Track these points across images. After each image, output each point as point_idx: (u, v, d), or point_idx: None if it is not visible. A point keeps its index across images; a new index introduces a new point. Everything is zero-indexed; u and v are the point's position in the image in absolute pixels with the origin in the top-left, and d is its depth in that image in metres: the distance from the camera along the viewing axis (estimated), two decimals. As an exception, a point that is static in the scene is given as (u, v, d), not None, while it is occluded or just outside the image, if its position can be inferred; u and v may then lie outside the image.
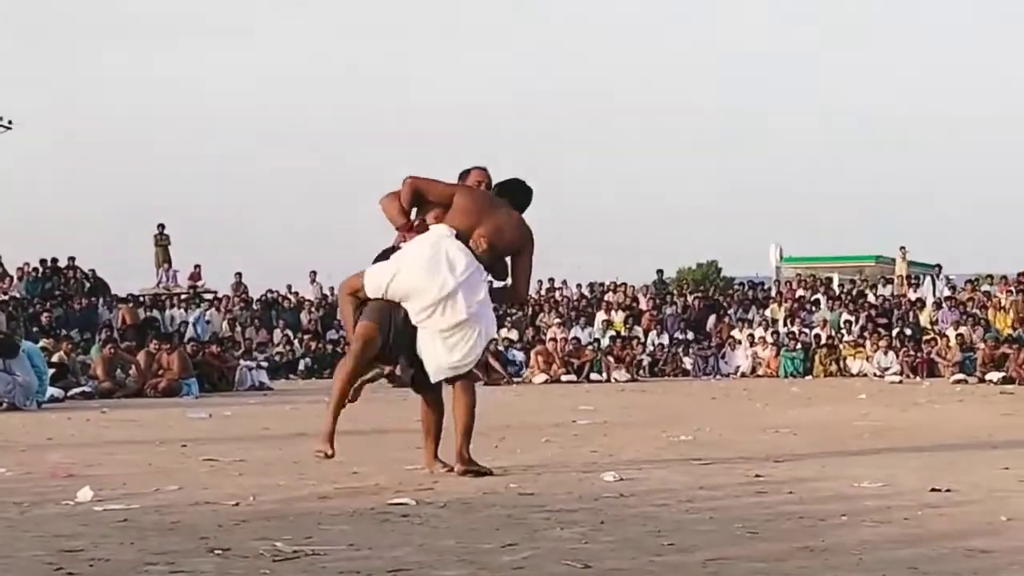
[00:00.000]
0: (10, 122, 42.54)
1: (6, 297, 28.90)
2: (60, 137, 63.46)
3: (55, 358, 20.39)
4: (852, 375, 27.36)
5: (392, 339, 7.18)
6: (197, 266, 34.97)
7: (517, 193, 7.56)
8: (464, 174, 7.54)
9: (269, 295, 33.09)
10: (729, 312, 32.54)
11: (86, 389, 19.49)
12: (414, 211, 7.35)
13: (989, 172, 76.71)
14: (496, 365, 25.07)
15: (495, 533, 5.12)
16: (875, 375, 26.45)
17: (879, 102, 78.15)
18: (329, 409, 7.24)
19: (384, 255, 7.38)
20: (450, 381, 7.33)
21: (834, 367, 27.89)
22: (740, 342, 29.83)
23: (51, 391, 17.56)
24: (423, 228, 7.21)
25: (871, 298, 32.25)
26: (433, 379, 7.30)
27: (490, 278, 7.41)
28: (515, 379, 25.48)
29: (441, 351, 7.16)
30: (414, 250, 7.13)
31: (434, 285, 7.03)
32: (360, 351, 7.19)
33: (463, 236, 7.19)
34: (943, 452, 8.67)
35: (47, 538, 5.06)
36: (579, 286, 34.57)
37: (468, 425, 7.26)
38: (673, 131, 78.90)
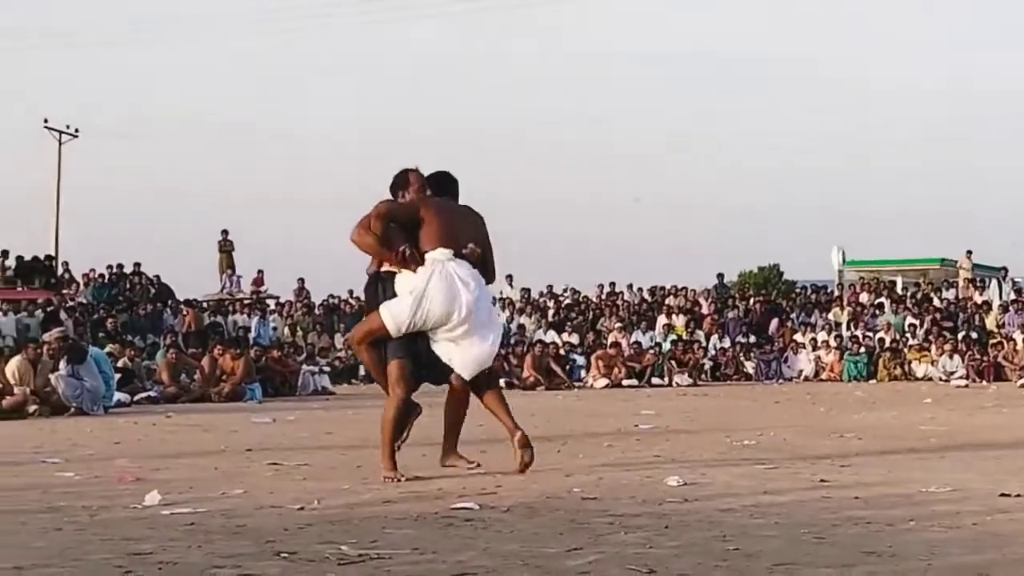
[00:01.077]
0: (76, 130, 43.18)
1: (73, 303, 29.26)
2: (125, 144, 64.14)
3: (121, 363, 20.65)
4: (917, 379, 27.11)
5: (425, 366, 7.51)
6: (260, 271, 35.28)
7: (452, 185, 7.76)
8: (401, 181, 7.58)
9: (331, 300, 33.28)
10: (792, 316, 32.36)
11: (152, 394, 19.71)
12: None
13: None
14: (557, 369, 25.08)
15: (559, 537, 5.12)
16: (940, 379, 26.20)
17: (943, 101, 77.46)
18: (385, 453, 7.45)
19: (374, 283, 7.57)
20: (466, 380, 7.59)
21: (898, 371, 27.65)
22: (803, 346, 29.65)
23: (118, 396, 17.79)
24: (413, 256, 7.33)
25: (936, 301, 31.94)
26: (469, 375, 7.53)
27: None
28: (576, 384, 25.47)
29: (469, 347, 7.44)
30: (431, 284, 7.29)
31: (455, 310, 7.31)
32: (404, 392, 7.46)
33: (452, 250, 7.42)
34: (1012, 456, 8.56)
35: (116, 541, 5.11)
36: (640, 290, 34.51)
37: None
38: (732, 133, 78.56)
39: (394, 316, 7.31)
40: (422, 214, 7.39)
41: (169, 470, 8.18)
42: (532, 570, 4.38)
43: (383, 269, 7.52)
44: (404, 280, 7.36)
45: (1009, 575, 4.18)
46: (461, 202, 7.79)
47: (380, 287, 7.51)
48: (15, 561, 4.63)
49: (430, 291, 7.26)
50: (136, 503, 6.26)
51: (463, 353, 7.43)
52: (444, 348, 7.43)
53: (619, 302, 33.27)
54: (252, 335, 28.25)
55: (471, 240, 7.49)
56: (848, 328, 30.53)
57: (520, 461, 7.49)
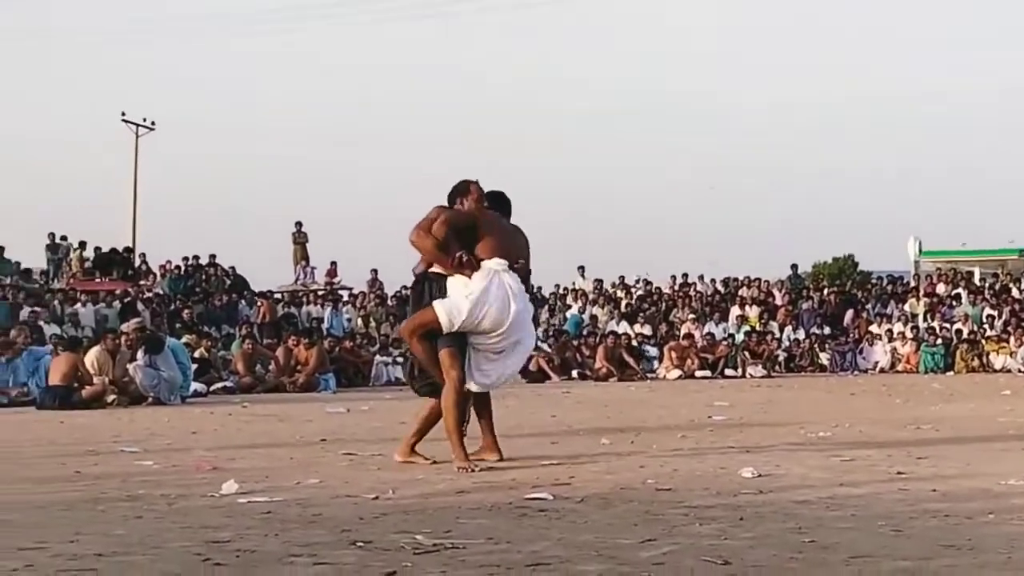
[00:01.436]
0: (153, 123, 43.70)
1: (150, 294, 29.62)
2: (201, 136, 64.81)
3: (198, 353, 20.87)
4: (995, 371, 26.75)
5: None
6: (333, 263, 35.50)
7: (506, 205, 8.08)
8: (463, 189, 7.78)
9: (404, 291, 33.40)
10: (867, 307, 32.04)
11: (227, 384, 19.91)
12: None
13: None
14: (630, 361, 25.02)
15: (633, 528, 5.11)
16: (1019, 371, 25.84)
17: (1013, 95, 76.26)
18: (454, 441, 7.59)
19: (421, 283, 7.81)
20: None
21: (976, 363, 27.30)
22: (879, 337, 29.34)
23: (194, 386, 17.99)
24: (470, 262, 7.56)
25: (1015, 292, 31.48)
26: (495, 386, 7.88)
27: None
28: (648, 375, 25.39)
29: (504, 359, 7.70)
30: (491, 291, 7.52)
31: (506, 319, 7.54)
32: (458, 373, 7.59)
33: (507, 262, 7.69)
34: (1093, 450, 8.43)
35: (194, 529, 5.17)
36: (712, 281, 34.32)
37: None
38: (807, 125, 77.90)
39: (449, 312, 7.49)
40: (480, 224, 7.67)
41: (245, 459, 8.27)
42: (606, 561, 4.38)
43: (432, 270, 7.72)
44: (458, 283, 7.57)
45: (1092, 569, 4.12)
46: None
47: (428, 287, 7.74)
48: (96, 548, 4.70)
49: (489, 297, 7.49)
50: (213, 492, 6.33)
51: (498, 366, 7.72)
52: (478, 358, 7.65)
53: (692, 293, 33.13)
54: (325, 326, 28.44)
55: (524, 258, 7.85)
56: (925, 319, 30.19)
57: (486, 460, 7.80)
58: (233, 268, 33.03)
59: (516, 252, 7.79)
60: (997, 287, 32.51)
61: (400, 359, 25.60)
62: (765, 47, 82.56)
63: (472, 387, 7.65)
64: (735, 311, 30.88)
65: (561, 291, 33.29)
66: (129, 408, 15.22)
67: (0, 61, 68.37)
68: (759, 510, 5.60)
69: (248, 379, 20.21)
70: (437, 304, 7.53)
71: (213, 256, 33.22)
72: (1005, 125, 73.75)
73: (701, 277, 34.64)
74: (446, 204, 7.75)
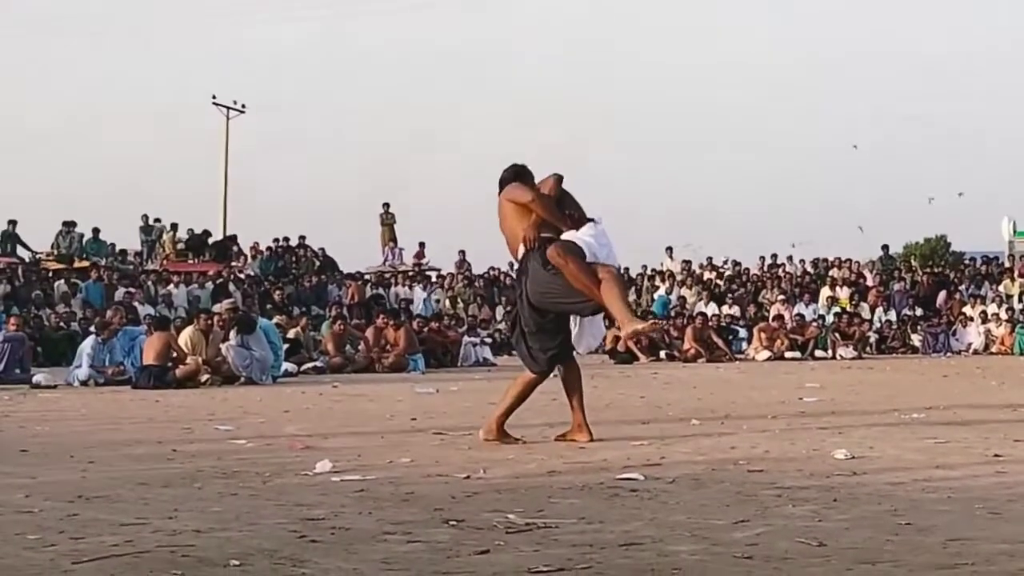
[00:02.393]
0: (243, 106, 44.18)
1: (241, 276, 29.99)
2: (291, 118, 65.39)
3: (290, 334, 21.10)
4: (1093, 352, 26.26)
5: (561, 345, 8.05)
6: (421, 244, 35.66)
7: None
8: (527, 174, 8.06)
9: (491, 272, 33.51)
10: (960, 288, 31.59)
11: (318, 364, 20.10)
12: None
13: None
14: (718, 342, 24.89)
15: (726, 509, 5.09)
16: (1118, 352, 25.32)
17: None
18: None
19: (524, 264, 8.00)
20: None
21: (1073, 344, 26.81)
22: (972, 319, 28.91)
23: (285, 366, 18.20)
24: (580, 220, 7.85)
25: (1114, 272, 30.86)
26: (584, 351, 8.33)
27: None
28: (737, 356, 25.25)
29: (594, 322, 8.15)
30: (599, 240, 7.79)
31: (614, 263, 7.94)
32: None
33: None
34: None
35: (289, 507, 5.23)
36: (802, 262, 34.02)
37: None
38: (897, 101, 76.75)
39: (584, 244, 7.68)
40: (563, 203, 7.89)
41: (337, 439, 8.35)
42: (699, 541, 4.37)
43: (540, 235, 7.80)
44: (570, 235, 7.75)
45: None
46: None
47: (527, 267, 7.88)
48: (194, 524, 4.78)
49: (603, 240, 7.78)
50: (307, 470, 6.40)
51: (598, 327, 8.14)
52: (584, 322, 7.97)
53: (781, 274, 32.85)
54: (415, 307, 28.62)
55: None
56: (1020, 300, 29.68)
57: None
58: (323, 249, 33.32)
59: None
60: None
61: (488, 339, 25.72)
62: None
63: (581, 350, 7.99)
64: (825, 292, 30.58)
65: (649, 272, 33.17)
66: (222, 387, 15.43)
67: (94, 40, 69.27)
68: (853, 492, 5.55)
69: (338, 359, 20.38)
70: (571, 236, 7.69)
71: (303, 238, 33.53)
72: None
73: (791, 258, 34.34)
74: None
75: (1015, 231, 38.40)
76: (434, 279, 32.80)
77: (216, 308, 19.28)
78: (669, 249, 34.49)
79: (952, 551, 4.15)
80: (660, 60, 75.96)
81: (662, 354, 24.68)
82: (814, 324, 27.23)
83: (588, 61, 77.48)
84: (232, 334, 16.61)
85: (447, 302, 30.63)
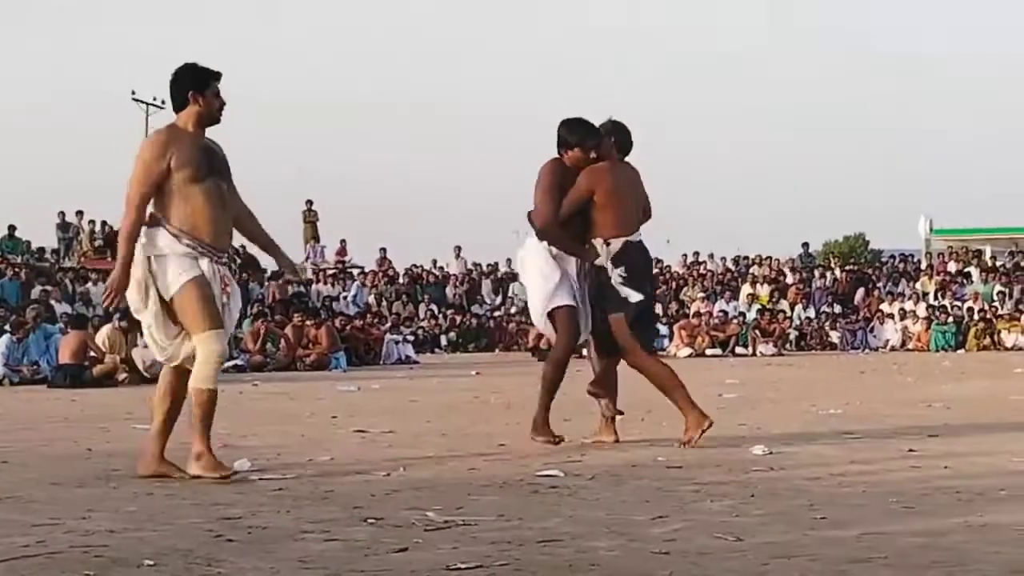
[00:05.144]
0: (163, 101, 43.68)
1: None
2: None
3: (209, 332, 20.88)
4: (1007, 349, 26.73)
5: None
6: (343, 241, 35.49)
7: (557, 137, 7.49)
8: (591, 135, 7.49)
9: (414, 269, 33.45)
10: (878, 286, 32.01)
11: (238, 362, 19.92)
12: None
13: None
14: (640, 339, 25.01)
15: (645, 505, 5.11)
16: (1031, 349, 25.78)
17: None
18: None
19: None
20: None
21: (988, 341, 27.26)
22: (890, 316, 29.31)
23: (205, 364, 17.99)
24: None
25: (1027, 271, 31.42)
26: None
27: None
28: (659, 353, 25.36)
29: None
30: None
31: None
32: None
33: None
34: (1105, 427, 8.41)
35: (205, 506, 5.18)
36: (723, 259, 34.31)
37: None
38: (818, 102, 77.80)
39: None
40: (599, 192, 7.42)
41: (257, 437, 8.28)
42: (617, 537, 4.38)
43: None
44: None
45: (1105, 546, 4.11)
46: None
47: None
48: (108, 524, 4.71)
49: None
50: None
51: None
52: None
53: (703, 271, 33.10)
54: (345, 305, 28.54)
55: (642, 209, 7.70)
56: (935, 297, 30.14)
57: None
58: (243, 247, 32.92)
59: (637, 211, 7.54)
60: (1009, 265, 32.43)
61: (410, 337, 25.66)
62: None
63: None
64: (746, 289, 30.86)
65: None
66: (141, 386, 15.23)
67: (10, 32, 68.27)
68: (770, 487, 5.60)
69: (259, 357, 20.24)
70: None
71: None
72: (1014, 108, 73.49)
73: (712, 255, 34.61)
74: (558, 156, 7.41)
75: (932, 229, 39.03)
76: (356, 276, 32.67)
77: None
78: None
79: (866, 544, 4.19)
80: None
81: (584, 352, 24.74)
82: (735, 321, 27.48)
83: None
84: (139, 337, 16.38)
85: (371, 299, 30.54)
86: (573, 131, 7.36)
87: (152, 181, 5.97)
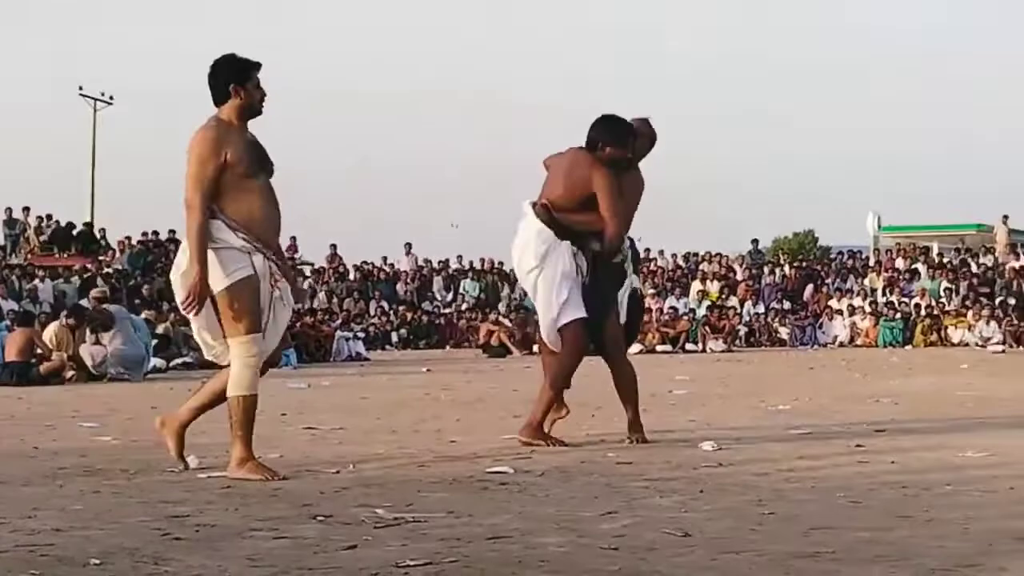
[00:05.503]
0: (111, 97, 43.38)
1: (109, 270, 29.42)
2: (160, 111, 64.39)
3: (161, 329, 20.75)
4: (953, 345, 26.99)
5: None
6: (293, 238, 35.30)
7: (592, 129, 7.26)
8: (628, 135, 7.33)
9: (365, 266, 33.36)
10: (827, 282, 32.24)
11: (188, 360, 19.80)
12: None
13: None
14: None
15: (594, 501, 5.12)
16: (977, 345, 26.06)
17: (978, 71, 76.93)
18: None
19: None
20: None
21: (935, 337, 27.53)
22: (838, 312, 29.54)
23: (154, 361, 17.89)
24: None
25: (973, 267, 31.74)
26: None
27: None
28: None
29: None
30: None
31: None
32: None
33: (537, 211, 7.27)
34: (1049, 422, 8.51)
35: (153, 504, 5.14)
36: (674, 256, 34.43)
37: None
38: (768, 101, 78.24)
39: None
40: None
41: (206, 434, 8.19)
42: (567, 533, 4.38)
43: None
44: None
45: (1047, 539, 4.16)
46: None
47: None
48: (54, 523, 4.67)
49: None
50: (173, 467, 6.29)
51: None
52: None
53: (653, 268, 33.21)
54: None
55: (550, 194, 7.28)
56: (883, 294, 30.40)
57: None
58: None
59: (545, 194, 7.27)
60: (956, 262, 32.76)
61: (361, 334, 25.59)
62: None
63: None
64: (696, 286, 31.01)
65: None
66: (88, 384, 15.12)
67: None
68: (719, 482, 5.63)
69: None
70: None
71: (173, 232, 32.99)
72: (962, 107, 74.25)
73: (662, 252, 34.73)
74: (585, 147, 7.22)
75: (880, 226, 39.34)
76: (308, 273, 32.55)
77: (92, 294, 18.90)
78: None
79: (814, 539, 4.22)
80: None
81: (535, 348, 24.77)
82: (685, 317, 27.59)
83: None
84: (88, 334, 16.25)
85: (322, 296, 30.45)
86: (609, 130, 7.23)
87: (210, 178, 5.81)
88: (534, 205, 7.28)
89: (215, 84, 5.97)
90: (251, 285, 5.89)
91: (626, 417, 7.52)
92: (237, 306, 5.87)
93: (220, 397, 6.16)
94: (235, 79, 5.94)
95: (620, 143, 7.19)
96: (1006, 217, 34.69)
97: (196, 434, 8.15)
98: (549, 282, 7.22)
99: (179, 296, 5.98)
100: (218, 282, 5.86)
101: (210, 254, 5.85)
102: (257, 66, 6.01)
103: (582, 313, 7.23)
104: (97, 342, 16.07)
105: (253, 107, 6.01)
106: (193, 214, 5.84)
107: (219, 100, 5.98)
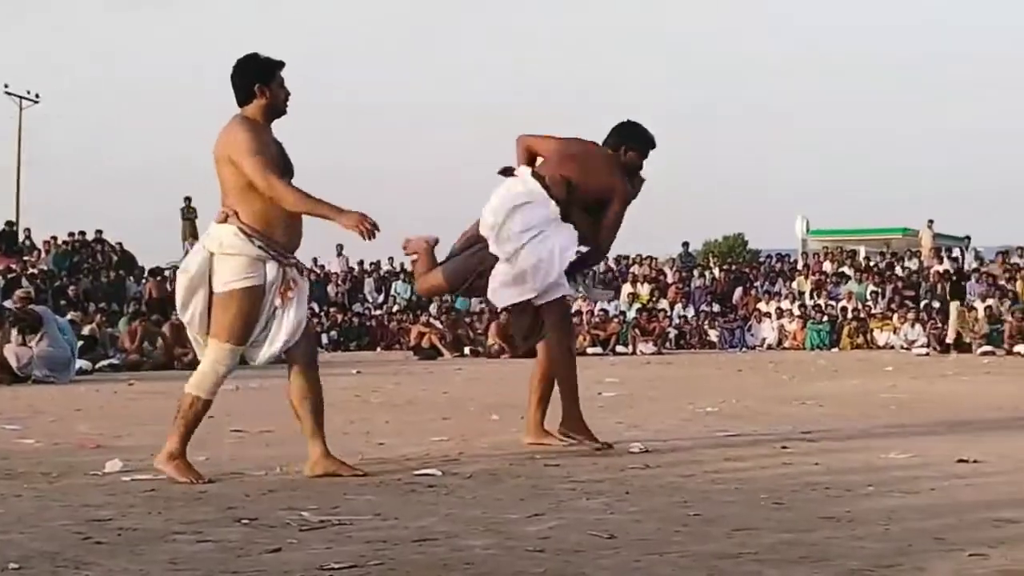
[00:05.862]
0: (37, 96, 42.83)
1: (34, 270, 29.03)
2: (88, 111, 63.78)
3: (87, 330, 20.52)
4: (879, 348, 27.31)
5: None
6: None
7: (618, 131, 7.25)
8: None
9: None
10: (756, 285, 32.50)
11: (114, 361, 19.61)
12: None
13: (1019, 141, 76.13)
14: (521, 337, 25.09)
15: (521, 503, 5.13)
16: (902, 348, 26.38)
17: (904, 75, 77.94)
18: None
19: None
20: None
21: (861, 340, 27.83)
22: (767, 315, 29.78)
23: (80, 363, 17.65)
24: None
25: (898, 271, 32.14)
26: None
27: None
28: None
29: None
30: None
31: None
32: None
33: (551, 181, 7.01)
34: (971, 424, 8.64)
35: (75, 508, 5.09)
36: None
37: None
38: (697, 104, 78.75)
39: None
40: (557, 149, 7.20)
41: (131, 437, 8.16)
42: (493, 535, 4.39)
43: None
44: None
45: (965, 539, 4.22)
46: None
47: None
48: (-27, 527, 4.61)
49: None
50: (96, 470, 6.23)
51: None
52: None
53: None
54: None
55: (580, 182, 7.09)
56: (811, 297, 30.68)
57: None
58: (120, 244, 32.50)
59: (572, 174, 7.06)
60: (882, 265, 33.15)
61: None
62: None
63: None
64: (627, 288, 31.13)
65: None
66: (12, 386, 14.91)
67: None
68: (645, 484, 5.66)
69: (135, 356, 19.93)
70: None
71: (100, 232, 32.64)
72: (889, 111, 75.20)
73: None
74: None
75: (808, 229, 39.75)
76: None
77: (17, 294, 18.63)
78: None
79: (737, 541, 4.26)
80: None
81: (466, 350, 24.79)
82: (615, 320, 27.70)
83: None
84: (13, 334, 16.01)
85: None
86: (639, 136, 7.25)
87: (268, 156, 5.72)
88: (539, 177, 7.02)
89: (240, 84, 5.88)
90: (253, 296, 5.83)
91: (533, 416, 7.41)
92: (232, 312, 5.84)
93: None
94: (260, 78, 5.86)
95: (643, 151, 7.24)
96: (931, 221, 35.17)
97: (120, 436, 8.10)
98: (550, 249, 6.96)
99: (179, 298, 5.95)
100: (222, 284, 5.82)
101: (223, 259, 5.80)
102: (281, 65, 5.93)
103: (568, 291, 7.20)
104: (24, 343, 15.84)
105: (278, 107, 5.92)
106: (280, 188, 5.69)
107: (243, 100, 5.89)
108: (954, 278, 26.18)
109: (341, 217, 5.74)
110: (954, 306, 25.62)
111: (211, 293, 5.88)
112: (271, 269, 5.85)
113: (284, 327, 5.96)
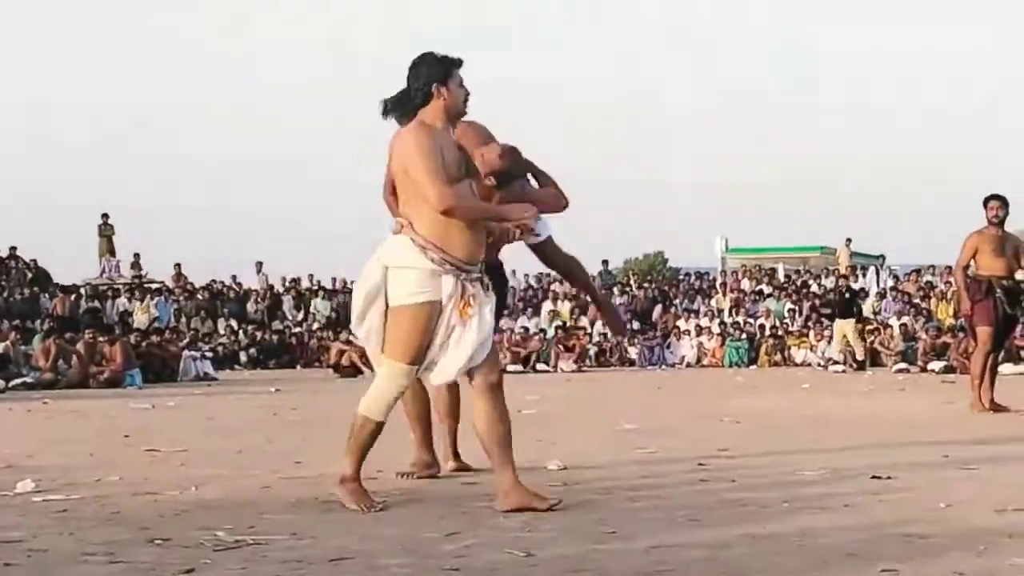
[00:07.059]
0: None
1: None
2: (8, 122, 62.90)
3: (1, 348, 20.20)
4: (796, 365, 27.57)
5: None
6: (136, 255, 34.64)
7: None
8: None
9: (214, 285, 32.91)
10: (675, 302, 32.72)
11: (27, 380, 19.31)
12: None
13: (933, 163, 77.40)
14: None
15: (438, 522, 5.11)
16: (819, 365, 26.65)
17: (823, 97, 79.13)
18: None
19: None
20: None
21: (778, 357, 28.10)
22: (686, 332, 29.98)
23: (-9, 382, 17.40)
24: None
25: (815, 288, 32.50)
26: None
27: None
28: (461, 369, 25.43)
29: None
30: None
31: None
32: None
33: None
34: (884, 440, 8.74)
35: (-16, 529, 5.00)
36: (526, 276, 34.60)
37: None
38: (618, 126, 79.28)
39: None
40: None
41: (43, 457, 8.02)
42: (409, 554, 4.37)
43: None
44: None
45: (878, 555, 4.27)
46: None
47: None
48: None
49: None
50: (7, 491, 6.12)
51: None
52: None
53: (505, 288, 33.31)
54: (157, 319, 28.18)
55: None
56: (730, 314, 30.95)
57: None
58: (35, 261, 32.05)
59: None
60: (799, 283, 33.53)
61: (209, 353, 25.21)
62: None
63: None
64: (547, 306, 31.22)
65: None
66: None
67: None
68: (563, 502, 5.66)
69: (50, 375, 19.64)
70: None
71: (13, 248, 32.15)
72: (807, 131, 76.20)
73: (514, 272, 34.86)
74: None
75: (727, 248, 40.13)
76: (154, 291, 32.00)
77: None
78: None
79: (654, 558, 4.27)
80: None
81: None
82: (536, 337, 27.75)
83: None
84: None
85: (171, 315, 30.01)
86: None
87: (442, 165, 5.40)
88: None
89: (416, 85, 5.56)
90: (427, 313, 5.45)
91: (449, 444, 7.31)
92: (405, 329, 5.47)
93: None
94: (438, 78, 5.55)
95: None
96: (849, 240, 35.69)
97: (32, 456, 7.97)
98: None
99: (355, 312, 5.58)
100: (396, 298, 5.48)
101: (396, 272, 5.48)
102: (459, 63, 5.64)
103: None
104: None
105: (457, 107, 5.62)
106: (450, 197, 5.37)
107: (421, 102, 5.58)
108: (847, 295, 26.28)
109: (512, 214, 5.65)
110: (847, 324, 25.37)
111: (387, 308, 5.56)
112: (448, 283, 5.47)
113: (463, 346, 5.52)
